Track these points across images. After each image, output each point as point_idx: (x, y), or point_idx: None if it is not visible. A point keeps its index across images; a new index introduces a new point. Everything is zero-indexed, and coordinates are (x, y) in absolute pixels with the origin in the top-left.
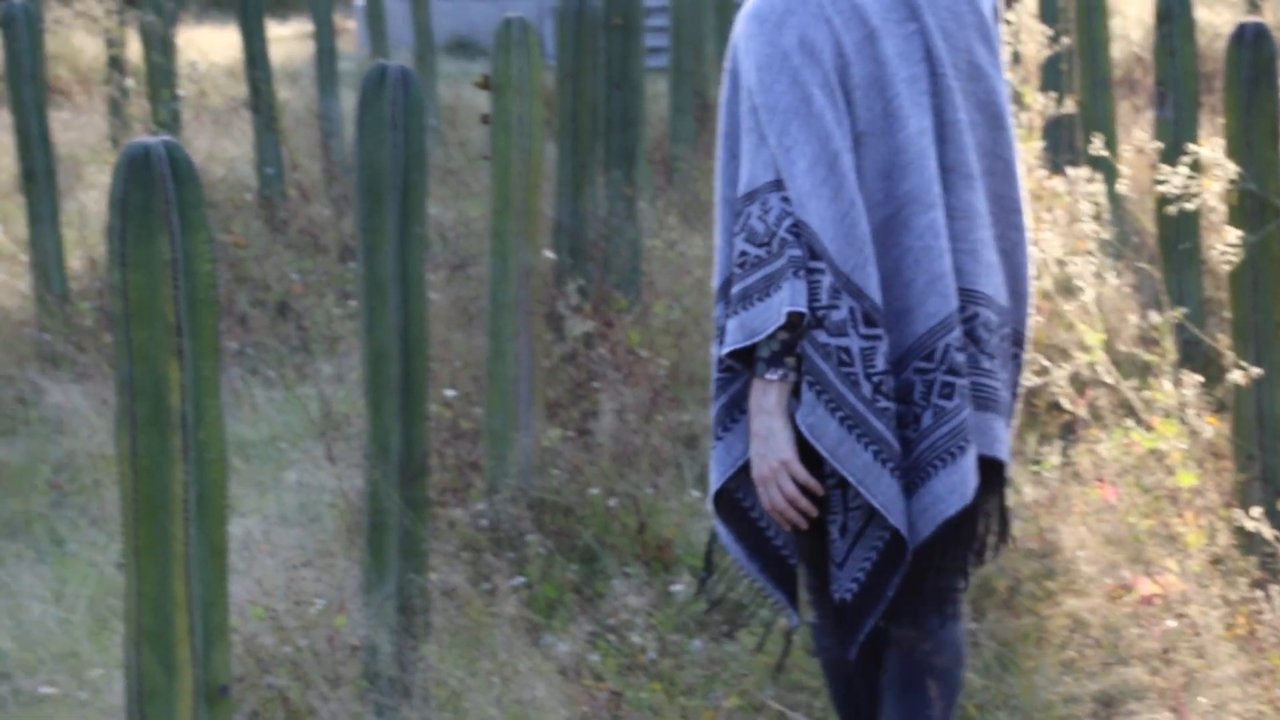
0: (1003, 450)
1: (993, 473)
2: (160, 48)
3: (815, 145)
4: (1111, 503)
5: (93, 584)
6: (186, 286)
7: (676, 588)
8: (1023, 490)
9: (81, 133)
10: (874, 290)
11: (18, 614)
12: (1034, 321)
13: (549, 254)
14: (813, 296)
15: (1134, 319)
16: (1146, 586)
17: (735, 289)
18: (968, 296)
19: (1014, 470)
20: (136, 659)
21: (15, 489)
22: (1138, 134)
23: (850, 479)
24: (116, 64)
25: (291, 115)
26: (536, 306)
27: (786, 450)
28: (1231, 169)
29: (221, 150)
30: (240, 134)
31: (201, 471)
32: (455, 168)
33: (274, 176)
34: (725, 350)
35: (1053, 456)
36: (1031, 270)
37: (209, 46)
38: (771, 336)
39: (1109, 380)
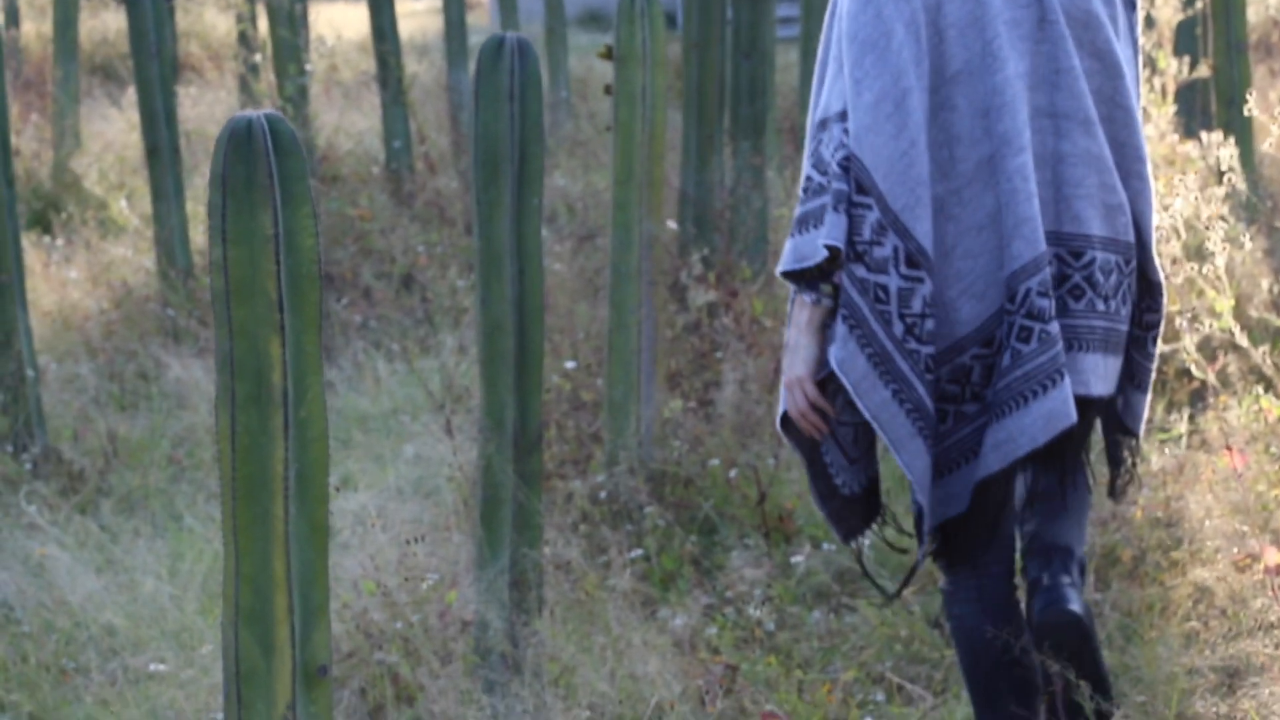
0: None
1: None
2: (287, 23)
3: (885, 80)
4: (1239, 470)
5: (207, 560)
6: (289, 262)
7: (797, 559)
8: (1150, 458)
9: (211, 108)
10: (923, 232)
11: (132, 590)
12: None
13: (672, 224)
14: (855, 231)
15: (1266, 284)
16: (1274, 556)
17: (797, 211)
18: (1083, 241)
19: (1142, 420)
20: (235, 639)
21: (135, 464)
22: (1273, 103)
23: (865, 414)
24: (245, 40)
25: (420, 89)
26: (659, 277)
27: (802, 368)
28: None
29: (351, 124)
30: (370, 108)
31: (302, 450)
32: (585, 139)
33: (401, 149)
34: (779, 271)
35: (1180, 424)
36: (1155, 219)
37: (342, 22)
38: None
39: (1240, 345)
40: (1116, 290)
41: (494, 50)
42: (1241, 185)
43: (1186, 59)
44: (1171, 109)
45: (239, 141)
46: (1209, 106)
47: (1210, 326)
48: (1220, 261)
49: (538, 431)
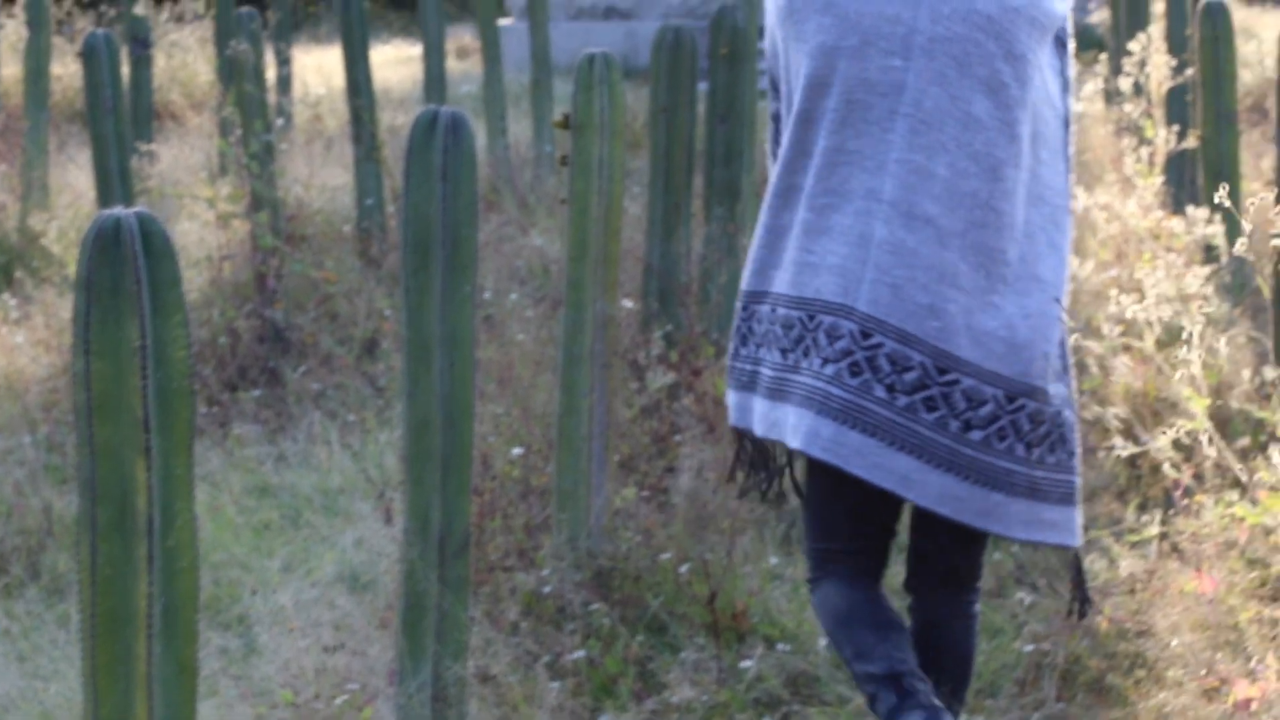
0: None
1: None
2: (254, 77)
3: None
4: (1209, 595)
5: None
6: (157, 376)
7: (747, 663)
8: (1120, 562)
9: (192, 157)
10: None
11: (49, 685)
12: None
13: (628, 303)
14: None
15: (1247, 374)
16: (1244, 689)
17: None
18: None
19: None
20: None
21: (72, 543)
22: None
23: None
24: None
25: (399, 143)
26: (615, 359)
27: None
28: None
29: (327, 179)
30: (350, 161)
31: (169, 582)
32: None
33: (373, 208)
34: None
35: (1152, 526)
36: (1036, 323)
37: (333, 68)
38: None
39: (1214, 450)
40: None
41: (426, 126)
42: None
43: (1176, 128)
44: (1159, 179)
45: (105, 243)
46: (1196, 177)
47: (1185, 425)
48: (1196, 356)
49: (465, 535)
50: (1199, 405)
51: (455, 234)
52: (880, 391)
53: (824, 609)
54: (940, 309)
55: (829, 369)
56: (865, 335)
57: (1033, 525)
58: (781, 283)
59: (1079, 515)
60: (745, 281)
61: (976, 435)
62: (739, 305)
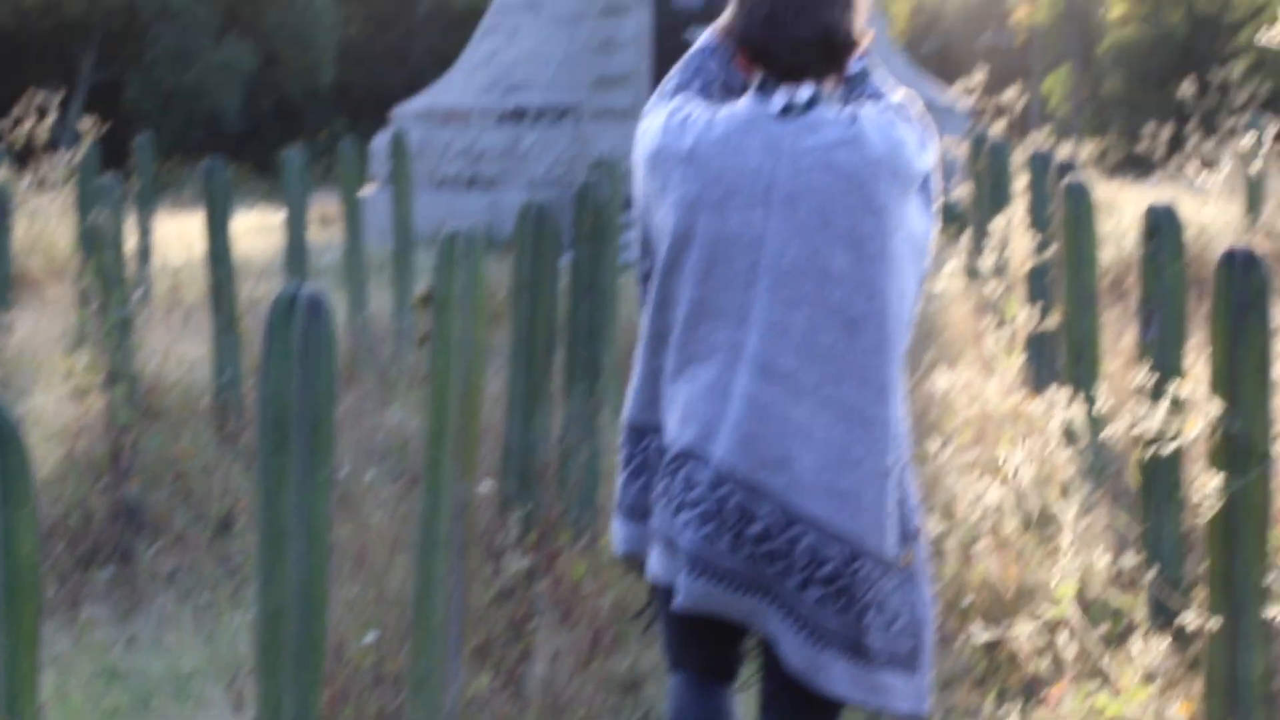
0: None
1: None
2: (114, 247)
3: None
4: None
5: None
6: (4, 569)
7: None
8: None
9: (51, 327)
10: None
11: None
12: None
13: (484, 486)
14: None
15: (1106, 560)
16: None
17: None
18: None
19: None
20: None
21: None
22: (1123, 351)
23: None
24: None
25: (259, 314)
26: (473, 543)
27: None
28: (1214, 408)
29: (185, 351)
30: (209, 332)
31: None
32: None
33: (231, 382)
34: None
35: (1011, 717)
36: (888, 484)
37: (195, 235)
38: None
39: (1076, 643)
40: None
41: (285, 306)
42: (1087, 447)
43: (1037, 306)
44: (1020, 358)
45: None
46: (1059, 357)
47: (1047, 614)
48: (1067, 542)
49: None
50: (1064, 592)
51: (313, 417)
52: (727, 541)
53: (670, 700)
54: (789, 464)
55: (683, 515)
56: (718, 485)
57: (867, 687)
58: (659, 421)
59: (923, 681)
60: (629, 414)
61: (814, 593)
62: (623, 437)
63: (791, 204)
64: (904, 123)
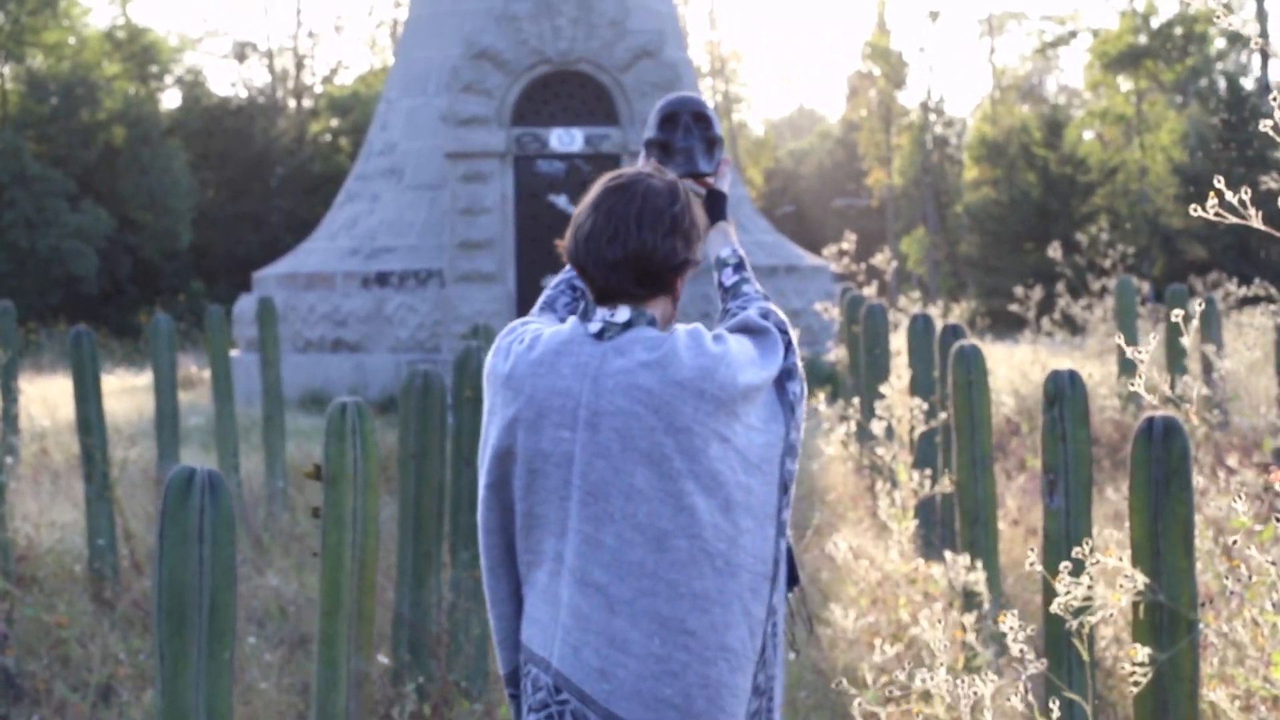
0: None
1: None
2: None
3: None
4: None
5: None
6: None
7: None
8: None
9: None
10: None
11: None
12: None
13: (383, 659)
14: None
15: None
16: None
17: None
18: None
19: None
20: None
21: None
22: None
23: None
24: None
25: (130, 479)
26: (369, 715)
27: None
28: (1139, 579)
29: (56, 516)
30: (81, 497)
31: None
32: (301, 533)
33: (105, 548)
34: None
35: None
36: (715, 693)
37: (60, 397)
38: None
39: None
40: None
41: (182, 486)
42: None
43: (928, 472)
44: (912, 523)
45: None
46: (952, 520)
47: None
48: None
49: None
50: None
51: (214, 598)
52: None
53: None
54: (610, 673)
55: (530, 717)
56: (557, 690)
57: None
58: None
59: None
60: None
61: None
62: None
63: (594, 424)
64: (734, 339)
